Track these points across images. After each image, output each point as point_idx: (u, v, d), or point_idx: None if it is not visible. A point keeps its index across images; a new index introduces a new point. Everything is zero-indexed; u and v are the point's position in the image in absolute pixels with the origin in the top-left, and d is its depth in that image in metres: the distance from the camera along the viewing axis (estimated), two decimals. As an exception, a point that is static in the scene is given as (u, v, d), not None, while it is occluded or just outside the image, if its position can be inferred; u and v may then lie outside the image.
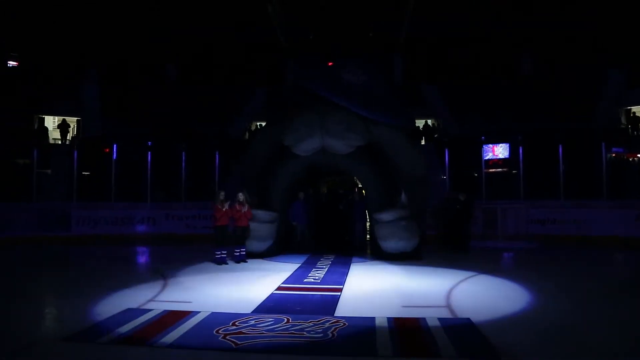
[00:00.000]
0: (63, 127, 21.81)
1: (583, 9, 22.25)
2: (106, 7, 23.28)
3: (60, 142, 21.63)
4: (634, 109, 21.27)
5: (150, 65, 25.49)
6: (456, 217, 12.34)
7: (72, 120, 22.60)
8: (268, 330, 5.23)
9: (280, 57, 25.54)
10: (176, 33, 25.14)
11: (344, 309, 6.24)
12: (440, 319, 5.67)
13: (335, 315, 5.94)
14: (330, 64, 12.82)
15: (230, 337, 4.98)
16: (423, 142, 21.13)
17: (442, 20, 24.53)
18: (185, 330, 5.27)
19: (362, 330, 5.24)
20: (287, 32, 25.83)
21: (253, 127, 23.28)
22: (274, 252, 11.25)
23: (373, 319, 5.68)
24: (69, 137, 22.08)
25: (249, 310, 6.15)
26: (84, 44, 24.25)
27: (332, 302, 6.64)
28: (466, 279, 8.42)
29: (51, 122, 22.96)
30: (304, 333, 5.16)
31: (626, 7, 21.32)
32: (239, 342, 4.83)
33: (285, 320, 5.63)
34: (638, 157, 19.31)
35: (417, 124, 21.17)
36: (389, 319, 5.67)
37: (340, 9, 23.87)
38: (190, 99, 23.36)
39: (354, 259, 10.85)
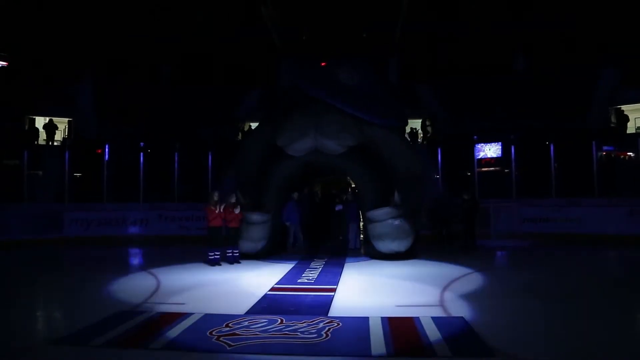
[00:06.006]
0: (50, 129, 21.44)
1: (576, 7, 22.38)
2: (99, 6, 23.08)
3: (49, 144, 21.33)
4: (624, 107, 21.46)
5: (144, 66, 25.31)
6: (465, 216, 12.34)
7: (61, 121, 22.31)
8: (262, 331, 5.22)
9: (274, 57, 25.47)
10: (170, 33, 24.98)
11: (337, 309, 6.25)
12: (434, 318, 5.69)
13: (329, 315, 5.94)
14: (323, 64, 12.81)
15: (224, 339, 4.96)
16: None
17: (436, 19, 24.59)
18: (178, 332, 5.25)
19: (356, 330, 5.24)
20: (281, 33, 25.78)
21: (246, 128, 23.20)
22: (268, 252, 11.22)
23: (367, 318, 5.69)
24: (57, 137, 21.81)
25: (243, 312, 6.14)
26: (76, 44, 24.01)
27: (326, 303, 6.64)
28: (459, 278, 8.47)
29: (42, 123, 22.71)
30: (298, 334, 5.15)
31: (620, 7, 21.47)
32: (233, 344, 4.82)
33: (279, 321, 5.63)
34: (628, 155, 19.51)
35: (411, 125, 21.21)
36: (382, 318, 5.68)
37: (335, 9, 23.86)
38: (184, 100, 23.24)
39: (347, 259, 10.87)
